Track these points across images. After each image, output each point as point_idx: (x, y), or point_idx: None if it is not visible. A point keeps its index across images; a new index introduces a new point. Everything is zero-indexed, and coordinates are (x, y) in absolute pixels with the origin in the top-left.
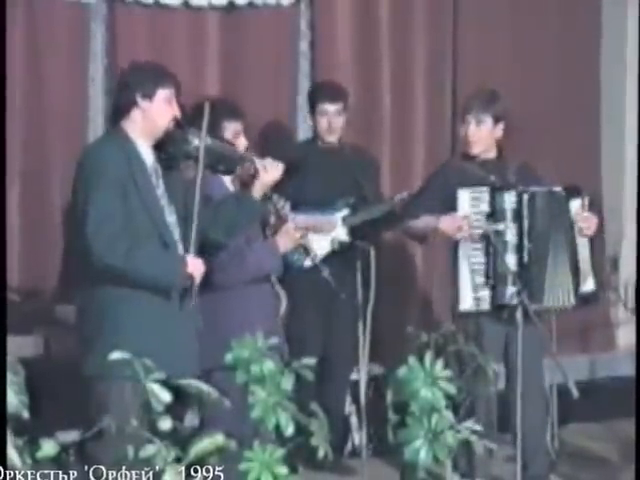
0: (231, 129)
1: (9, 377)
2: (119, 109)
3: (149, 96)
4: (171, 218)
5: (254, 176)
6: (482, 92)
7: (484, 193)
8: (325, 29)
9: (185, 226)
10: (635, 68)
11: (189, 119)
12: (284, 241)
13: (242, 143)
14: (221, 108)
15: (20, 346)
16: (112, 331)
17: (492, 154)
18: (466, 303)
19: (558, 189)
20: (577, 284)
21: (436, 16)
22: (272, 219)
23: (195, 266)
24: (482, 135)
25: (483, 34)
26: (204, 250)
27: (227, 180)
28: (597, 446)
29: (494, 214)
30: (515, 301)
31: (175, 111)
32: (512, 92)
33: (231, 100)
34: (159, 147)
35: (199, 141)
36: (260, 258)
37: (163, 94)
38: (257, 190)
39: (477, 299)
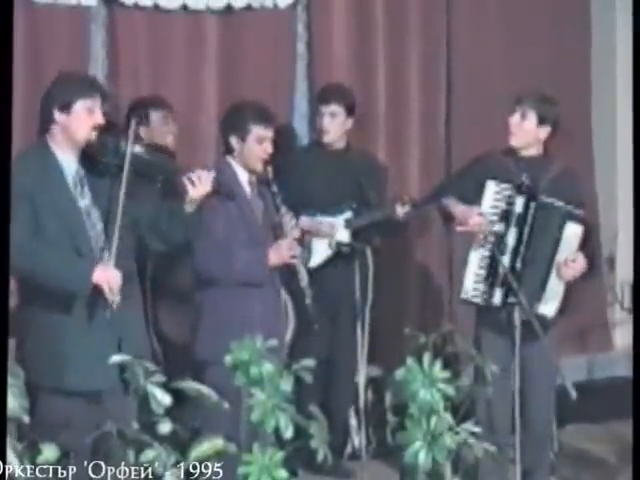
0: (255, 133)
1: (9, 380)
2: (41, 123)
3: (66, 109)
4: (98, 225)
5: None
6: (538, 91)
7: (507, 190)
8: (322, 31)
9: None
10: (626, 65)
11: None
12: (275, 256)
13: (267, 149)
14: (249, 111)
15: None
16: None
17: (534, 152)
18: (466, 292)
19: (561, 205)
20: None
21: (430, 17)
22: (278, 230)
23: (104, 276)
24: (523, 129)
25: (477, 35)
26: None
27: (236, 166)
28: (596, 447)
29: (507, 213)
30: (504, 303)
31: (97, 120)
32: (506, 93)
33: (263, 105)
34: (91, 154)
35: (124, 149)
36: (247, 265)
37: (82, 105)
38: (189, 204)
39: (476, 291)
